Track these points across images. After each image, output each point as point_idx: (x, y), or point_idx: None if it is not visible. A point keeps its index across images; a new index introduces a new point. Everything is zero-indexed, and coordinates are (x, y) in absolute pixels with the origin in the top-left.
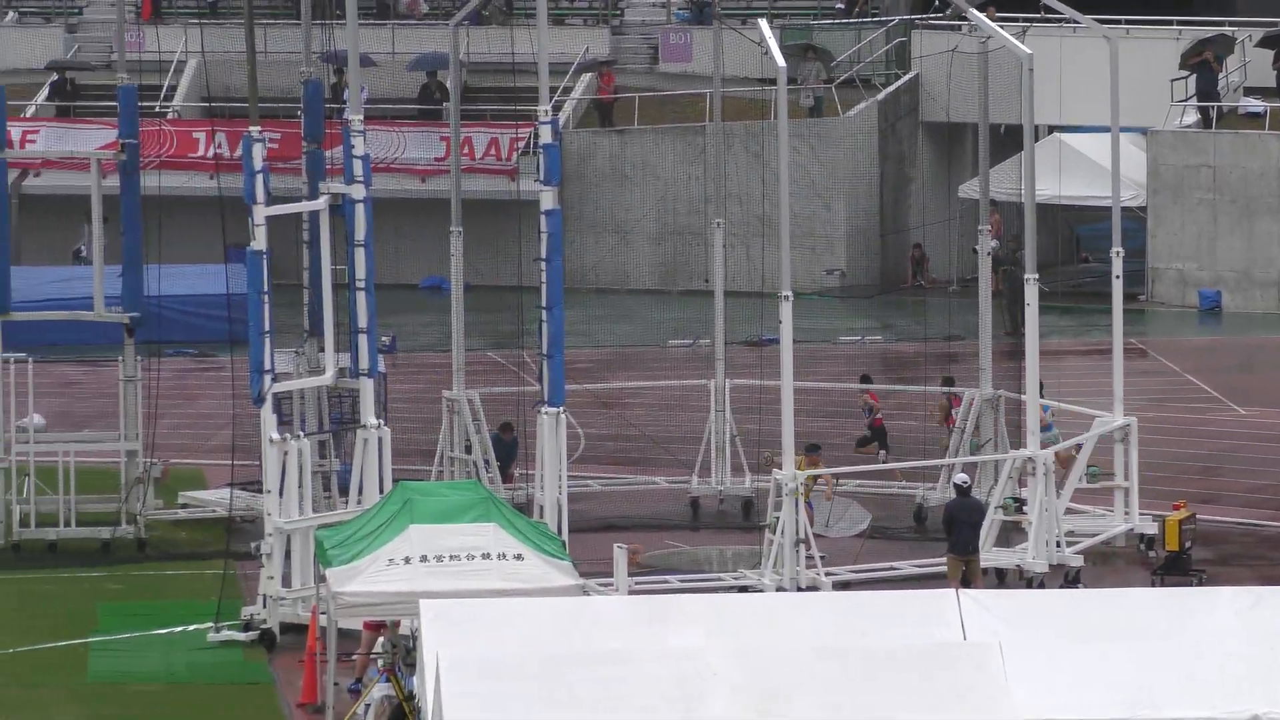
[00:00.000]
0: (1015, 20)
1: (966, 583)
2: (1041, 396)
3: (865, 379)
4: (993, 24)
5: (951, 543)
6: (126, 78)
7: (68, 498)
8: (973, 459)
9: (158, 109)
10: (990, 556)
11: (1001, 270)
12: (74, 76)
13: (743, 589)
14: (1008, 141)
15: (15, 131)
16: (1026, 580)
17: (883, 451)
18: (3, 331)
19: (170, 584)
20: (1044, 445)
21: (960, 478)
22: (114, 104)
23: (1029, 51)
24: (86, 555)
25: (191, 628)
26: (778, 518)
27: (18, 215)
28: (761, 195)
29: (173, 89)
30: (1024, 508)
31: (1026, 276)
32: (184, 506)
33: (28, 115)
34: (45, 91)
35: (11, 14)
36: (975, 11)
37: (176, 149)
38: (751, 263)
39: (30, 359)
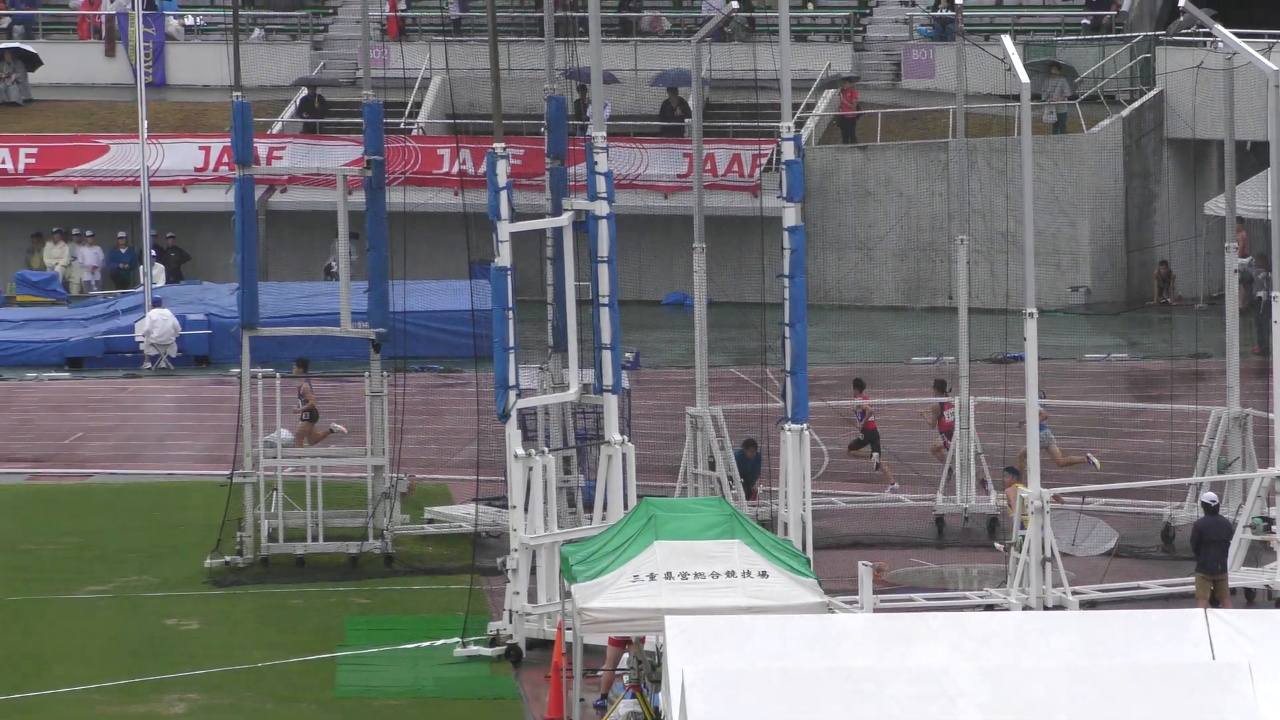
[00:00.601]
0: (1261, 36)
1: (1215, 602)
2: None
3: (859, 384)
4: (1238, 40)
5: (1200, 562)
6: (372, 95)
7: (315, 513)
8: (1220, 478)
9: (403, 125)
10: (1239, 576)
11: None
12: (321, 93)
13: (988, 607)
14: (1254, 158)
15: (262, 148)
16: (1276, 600)
17: (875, 455)
18: (251, 346)
19: (417, 599)
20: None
21: (1208, 496)
22: (359, 121)
23: (1275, 68)
24: (334, 570)
25: (438, 643)
26: (1023, 536)
27: (265, 231)
28: (1005, 211)
29: (418, 106)
30: (1273, 526)
31: (1273, 294)
32: (430, 522)
33: (275, 132)
34: (292, 108)
35: (259, 32)
36: (1221, 27)
37: (421, 165)
38: (995, 279)
39: (278, 374)
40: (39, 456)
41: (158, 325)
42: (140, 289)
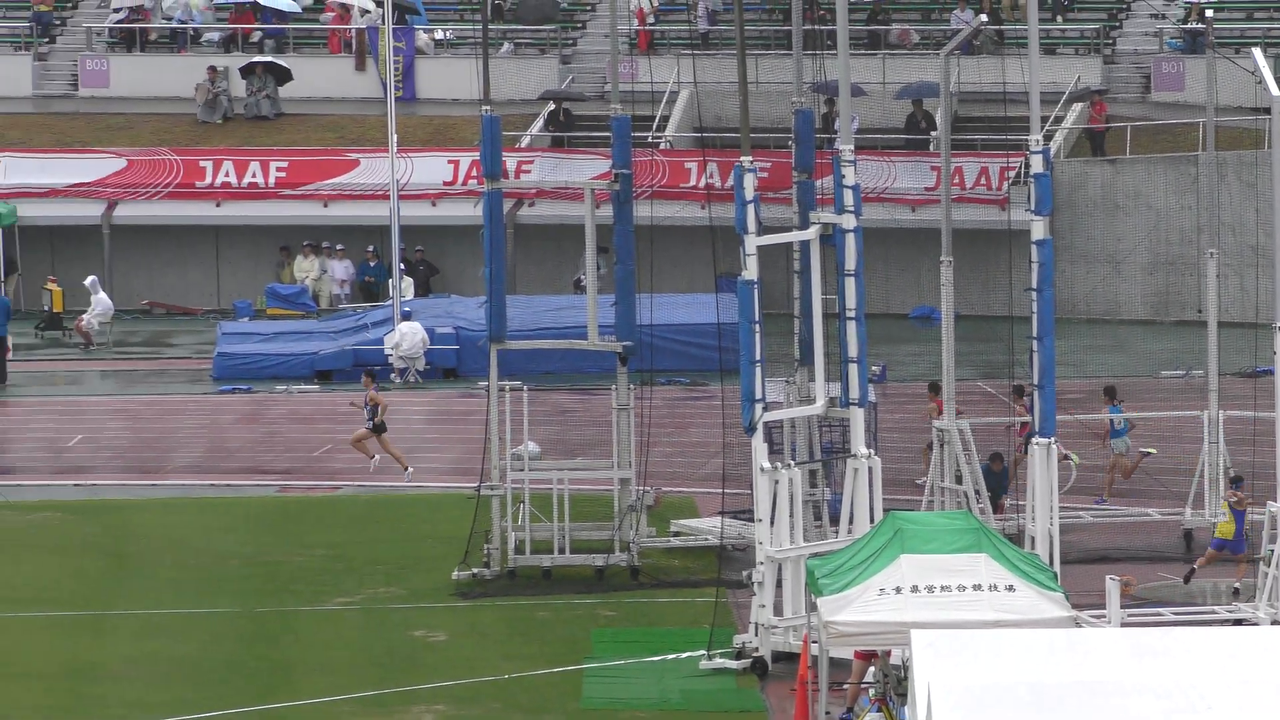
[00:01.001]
0: None
1: None
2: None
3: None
4: None
5: None
6: (620, 108)
7: (562, 525)
8: None
9: (650, 139)
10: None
11: None
12: (567, 107)
13: (1237, 622)
14: None
15: (511, 161)
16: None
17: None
18: (499, 360)
19: (662, 612)
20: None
21: None
22: (607, 134)
23: None
24: (580, 582)
25: (684, 655)
26: (1272, 550)
27: (514, 244)
28: (1256, 225)
29: (665, 119)
30: None
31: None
32: (676, 534)
33: (523, 145)
34: (540, 122)
35: (508, 46)
36: None
37: (669, 179)
38: (1245, 293)
39: (525, 387)
40: (288, 469)
41: (406, 338)
42: (389, 302)
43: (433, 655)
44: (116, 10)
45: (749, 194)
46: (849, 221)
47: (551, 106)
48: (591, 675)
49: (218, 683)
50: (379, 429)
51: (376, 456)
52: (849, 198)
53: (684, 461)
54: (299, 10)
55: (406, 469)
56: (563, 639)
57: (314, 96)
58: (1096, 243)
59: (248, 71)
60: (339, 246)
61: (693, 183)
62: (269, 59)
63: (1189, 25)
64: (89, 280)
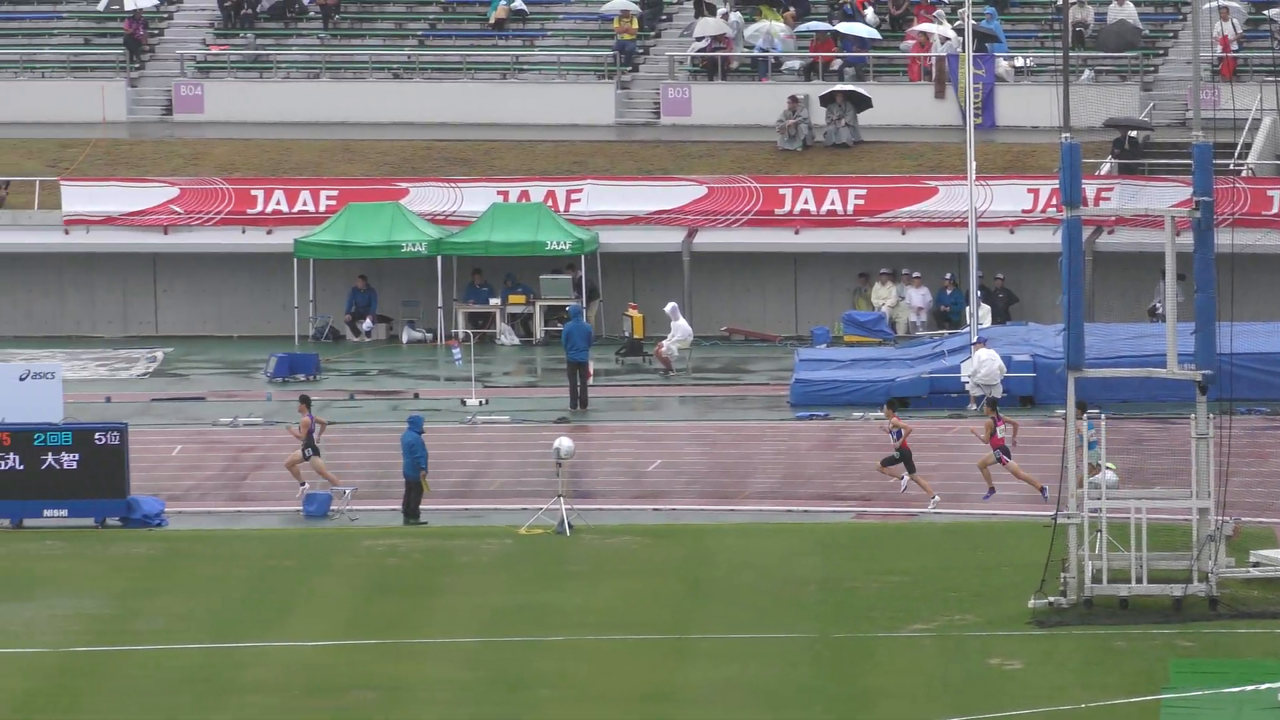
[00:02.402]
0: None
1: None
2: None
3: (891, 404)
4: None
5: None
6: (1202, 135)
7: (1139, 555)
8: None
9: (1232, 166)
10: None
11: None
12: (1133, 134)
13: None
14: None
15: (1089, 189)
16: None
17: (907, 475)
18: (1076, 387)
19: (1242, 642)
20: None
21: None
22: (1187, 161)
23: None
24: (1157, 612)
25: (1263, 687)
26: None
27: (1092, 272)
28: None
29: (1247, 146)
30: None
31: None
32: (1255, 565)
33: (1102, 173)
34: (1114, 150)
35: (1088, 73)
36: None
37: (1250, 206)
38: None
39: (1102, 414)
40: (865, 495)
41: (984, 365)
42: (966, 329)
43: (1009, 684)
44: (699, 39)
45: None
46: None
47: (1127, 134)
48: (1169, 706)
49: (796, 708)
50: (315, 451)
51: (306, 484)
52: None
53: (1264, 492)
54: (879, 37)
55: (341, 489)
56: (1139, 669)
57: (893, 124)
58: None
59: (828, 99)
60: (915, 274)
61: (1275, 210)
62: (849, 87)
63: None
64: (669, 307)
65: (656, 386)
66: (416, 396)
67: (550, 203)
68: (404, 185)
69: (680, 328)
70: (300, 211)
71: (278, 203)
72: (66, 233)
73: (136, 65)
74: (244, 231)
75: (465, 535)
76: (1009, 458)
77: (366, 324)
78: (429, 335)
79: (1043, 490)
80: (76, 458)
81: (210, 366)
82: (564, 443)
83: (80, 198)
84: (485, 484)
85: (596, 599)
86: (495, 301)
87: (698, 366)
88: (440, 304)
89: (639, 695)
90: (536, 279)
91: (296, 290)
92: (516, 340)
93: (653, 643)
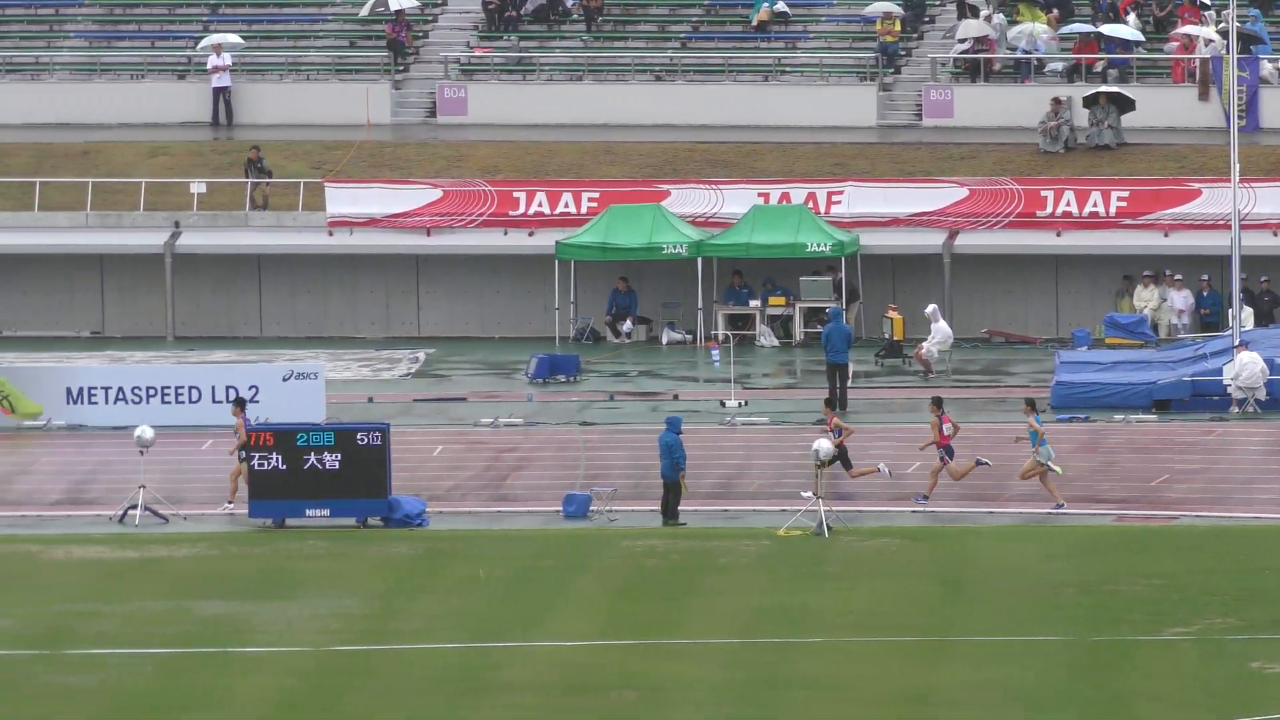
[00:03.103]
0: None
1: None
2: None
3: (828, 403)
4: None
5: None
6: None
7: None
8: None
9: None
10: None
11: None
12: None
13: None
14: None
15: None
16: None
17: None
18: None
19: None
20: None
21: None
22: None
23: None
24: None
25: None
26: None
27: None
28: None
29: None
30: None
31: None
32: None
33: None
34: None
35: None
36: None
37: None
38: None
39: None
40: (1125, 498)
41: (1246, 369)
42: (1228, 332)
43: (1271, 688)
44: (961, 41)
45: None
46: None
47: None
48: None
49: (1053, 711)
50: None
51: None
52: None
53: None
54: (1143, 39)
55: (230, 502)
56: None
57: (1156, 126)
58: None
59: (1091, 101)
60: (1177, 276)
61: None
62: (1113, 89)
63: None
64: (929, 309)
65: (916, 388)
66: (676, 398)
67: (811, 204)
68: (665, 187)
69: (940, 330)
70: (562, 213)
71: (540, 204)
72: (330, 234)
73: (400, 68)
74: (506, 233)
75: (724, 536)
76: (951, 458)
77: (627, 325)
78: (689, 337)
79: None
80: (339, 458)
81: (471, 367)
82: (823, 445)
83: (344, 199)
84: (744, 486)
85: (854, 600)
86: (755, 303)
87: (958, 368)
88: (700, 306)
89: (897, 697)
90: (796, 281)
91: (558, 292)
92: (776, 342)
93: (910, 644)
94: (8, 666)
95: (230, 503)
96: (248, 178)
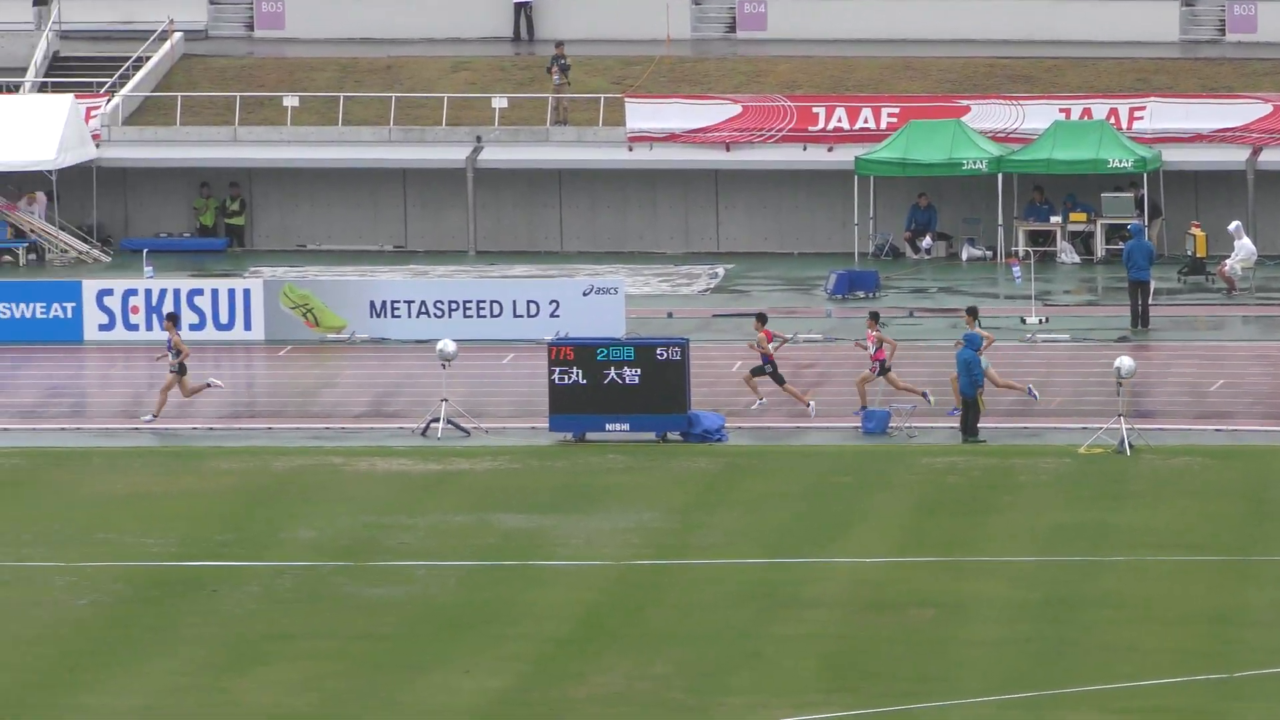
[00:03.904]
0: None
1: None
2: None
3: (760, 317)
4: None
5: None
6: None
7: None
8: None
9: None
10: None
11: None
12: None
13: None
14: None
15: None
16: None
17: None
18: None
19: None
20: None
21: None
22: None
23: None
24: None
25: None
26: None
27: None
28: None
29: None
30: None
31: None
32: None
33: None
34: None
35: None
36: None
37: None
38: None
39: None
40: None
41: None
42: None
43: None
44: None
45: None
46: None
47: None
48: None
49: None
50: (182, 371)
51: (215, 382)
52: None
53: None
54: None
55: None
56: None
57: None
58: None
59: None
60: None
61: None
62: None
63: None
64: (1233, 225)
65: (1219, 306)
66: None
67: (1112, 120)
68: (965, 103)
69: (1244, 246)
70: (861, 129)
71: (839, 120)
72: (630, 150)
73: None
74: (805, 149)
75: (1024, 454)
76: (888, 371)
77: (926, 241)
78: (989, 253)
79: (925, 395)
80: (638, 373)
81: (770, 283)
82: (1125, 362)
83: (644, 115)
84: (1044, 403)
85: (1157, 519)
86: (1056, 219)
87: (1261, 286)
88: (1000, 222)
89: (1200, 616)
90: (1098, 197)
91: (857, 208)
92: (1077, 259)
93: (1215, 564)
94: (313, 578)
95: (155, 416)
96: (550, 73)
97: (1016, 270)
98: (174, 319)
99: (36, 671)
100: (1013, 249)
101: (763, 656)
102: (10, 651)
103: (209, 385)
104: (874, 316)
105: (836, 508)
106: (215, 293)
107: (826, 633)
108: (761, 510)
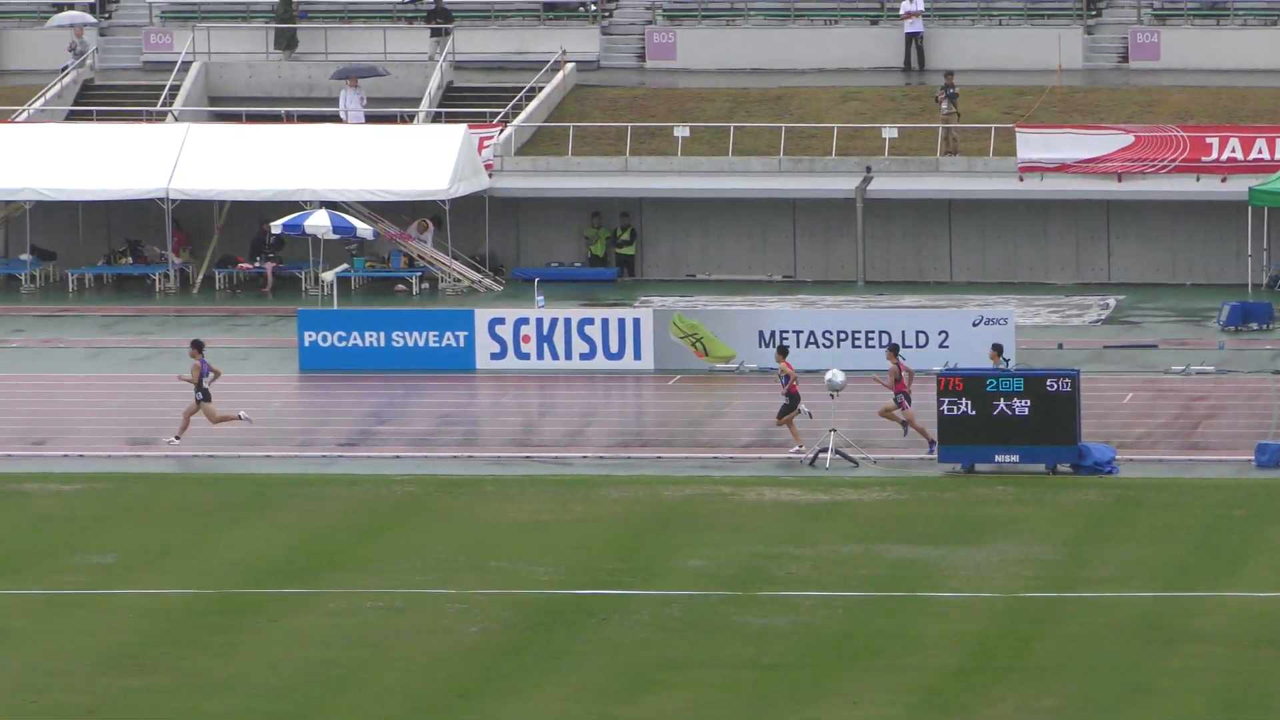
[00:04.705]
0: None
1: None
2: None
3: (782, 350)
4: None
5: None
6: None
7: None
8: None
9: None
10: None
11: None
12: None
13: None
14: None
15: None
16: None
17: (806, 412)
18: None
19: None
20: None
21: None
22: None
23: None
24: None
25: None
26: None
27: None
28: None
29: None
30: None
31: None
32: None
33: None
34: None
35: None
36: None
37: None
38: None
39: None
40: None
41: None
42: None
43: None
44: None
45: None
46: None
47: None
48: None
49: None
50: (207, 397)
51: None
52: None
53: None
54: None
55: (178, 438)
56: None
57: None
58: None
59: None
60: None
61: None
62: None
63: None
64: None
65: None
66: None
67: None
68: None
69: None
70: (1255, 159)
71: (1233, 150)
72: (1021, 180)
73: (1093, 12)
74: (1198, 179)
75: None
76: (909, 404)
77: None
78: None
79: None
80: (1028, 404)
81: (1162, 314)
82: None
83: (1035, 145)
84: None
85: None
86: None
87: None
88: None
89: None
90: None
91: (1250, 238)
92: None
93: None
94: (702, 607)
95: (177, 439)
96: (937, 102)
97: None
98: (199, 346)
99: (427, 697)
100: None
101: (1153, 690)
102: (403, 677)
103: (239, 418)
104: (894, 348)
105: (1231, 541)
106: (605, 322)
107: (1216, 667)
108: (1154, 543)
